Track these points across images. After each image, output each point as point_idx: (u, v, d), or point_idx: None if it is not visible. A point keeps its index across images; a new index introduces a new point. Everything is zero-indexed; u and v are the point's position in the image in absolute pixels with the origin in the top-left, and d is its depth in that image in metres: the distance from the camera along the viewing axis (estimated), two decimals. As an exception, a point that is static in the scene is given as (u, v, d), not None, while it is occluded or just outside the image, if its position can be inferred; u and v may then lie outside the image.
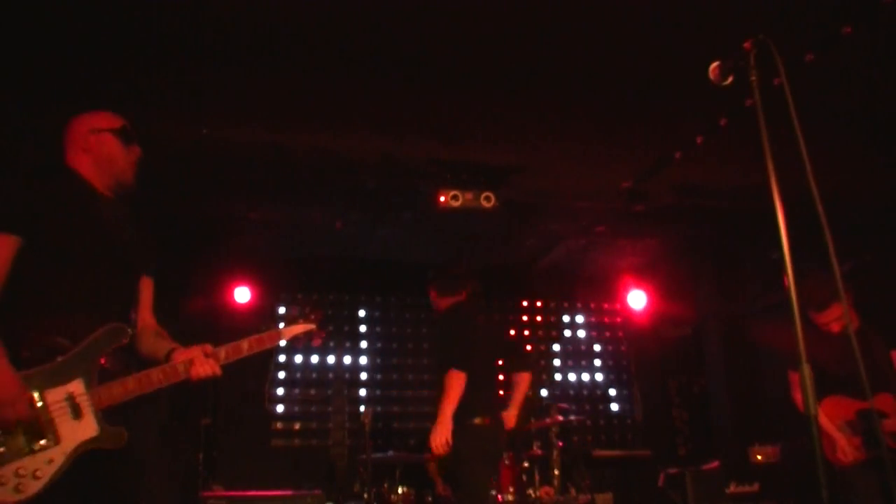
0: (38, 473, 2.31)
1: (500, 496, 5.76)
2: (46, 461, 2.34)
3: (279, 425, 8.24)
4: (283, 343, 3.06)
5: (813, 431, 2.16)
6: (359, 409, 8.21)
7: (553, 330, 9.50)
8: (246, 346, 2.89)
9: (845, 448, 4.12)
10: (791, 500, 5.58)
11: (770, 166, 2.31)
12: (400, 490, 5.96)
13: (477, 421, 4.64)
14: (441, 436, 4.53)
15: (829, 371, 4.10)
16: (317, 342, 3.21)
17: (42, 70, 5.18)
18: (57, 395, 2.43)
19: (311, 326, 3.16)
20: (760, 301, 8.13)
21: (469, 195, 6.30)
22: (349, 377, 8.60)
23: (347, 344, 8.78)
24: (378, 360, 8.86)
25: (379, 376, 8.78)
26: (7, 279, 2.54)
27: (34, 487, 2.29)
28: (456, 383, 4.53)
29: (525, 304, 9.47)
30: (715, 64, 2.51)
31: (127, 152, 2.95)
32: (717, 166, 6.30)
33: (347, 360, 8.72)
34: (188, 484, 6.68)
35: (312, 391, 8.42)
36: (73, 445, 2.40)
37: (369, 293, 9.05)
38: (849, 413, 4.20)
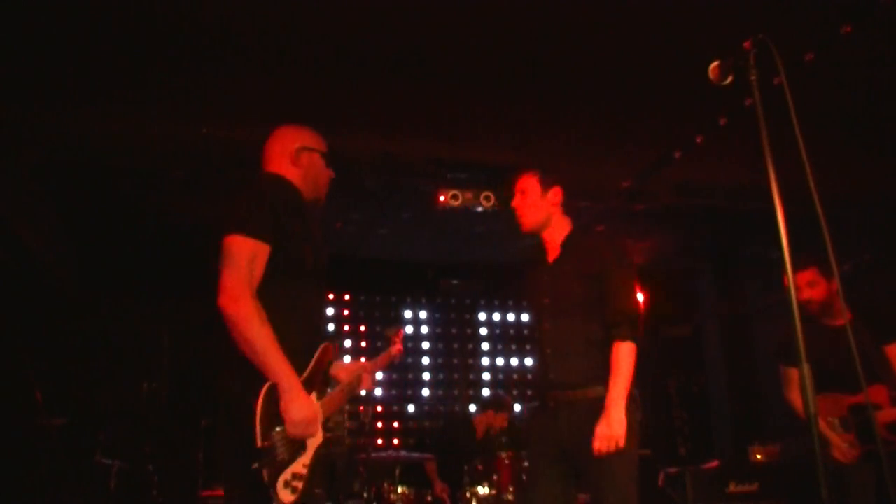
0: (301, 476, 2.54)
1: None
2: (303, 465, 2.56)
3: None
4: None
5: (813, 430, 2.16)
6: (358, 409, 8.22)
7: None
8: (379, 363, 3.49)
9: (842, 447, 4.10)
10: (791, 499, 5.57)
11: (770, 166, 2.31)
12: (399, 489, 5.96)
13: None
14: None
15: (821, 368, 4.07)
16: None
17: (42, 69, 5.18)
18: None
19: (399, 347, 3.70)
20: (760, 301, 8.14)
21: (469, 194, 6.30)
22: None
23: (347, 343, 8.78)
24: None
25: (379, 375, 8.78)
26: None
27: (300, 488, 2.52)
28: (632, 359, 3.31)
29: (525, 302, 9.48)
30: (715, 63, 2.51)
31: (328, 175, 3.08)
32: (716, 166, 6.30)
33: (347, 359, 8.73)
34: (188, 484, 6.68)
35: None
36: (313, 450, 2.62)
37: (369, 292, 9.05)
38: (840, 409, 4.17)
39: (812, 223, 2.29)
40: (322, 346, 2.77)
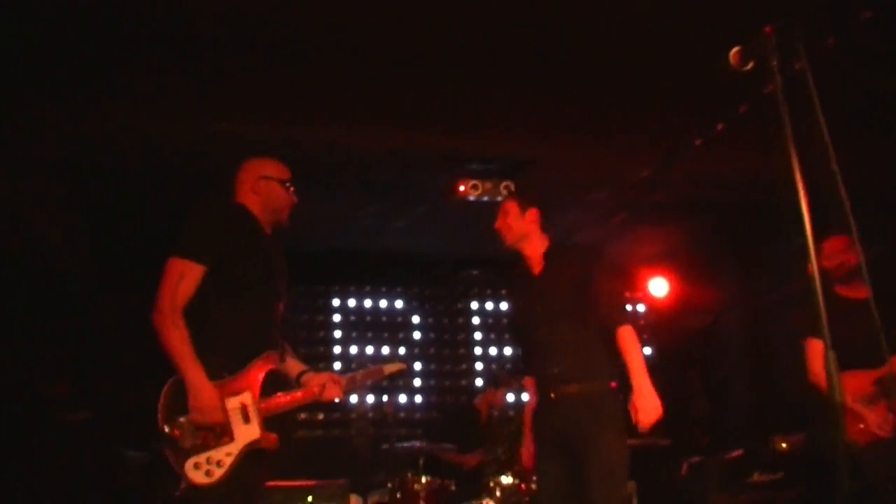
0: (221, 463, 2.89)
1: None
2: (226, 454, 2.92)
3: (303, 416, 8.29)
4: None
5: (837, 419, 2.15)
6: (382, 399, 8.25)
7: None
8: (359, 377, 3.57)
9: (878, 420, 4.04)
10: (815, 487, 5.54)
11: (792, 152, 2.30)
12: (423, 479, 5.98)
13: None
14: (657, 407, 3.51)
15: (842, 346, 4.01)
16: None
17: (46, 67, 5.19)
18: (233, 403, 3.01)
19: (403, 366, 3.86)
20: (782, 290, 8.08)
21: (488, 184, 6.32)
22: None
23: (369, 335, 8.82)
24: (400, 350, 8.90)
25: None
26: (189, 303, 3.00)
27: (218, 474, 2.87)
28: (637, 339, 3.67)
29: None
30: (735, 49, 2.50)
31: (288, 200, 3.42)
32: (736, 156, 6.26)
33: (370, 350, 8.77)
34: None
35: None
36: (243, 444, 2.97)
37: (390, 284, 9.08)
38: (865, 386, 4.13)
39: (834, 212, 2.28)
40: (265, 353, 3.13)
